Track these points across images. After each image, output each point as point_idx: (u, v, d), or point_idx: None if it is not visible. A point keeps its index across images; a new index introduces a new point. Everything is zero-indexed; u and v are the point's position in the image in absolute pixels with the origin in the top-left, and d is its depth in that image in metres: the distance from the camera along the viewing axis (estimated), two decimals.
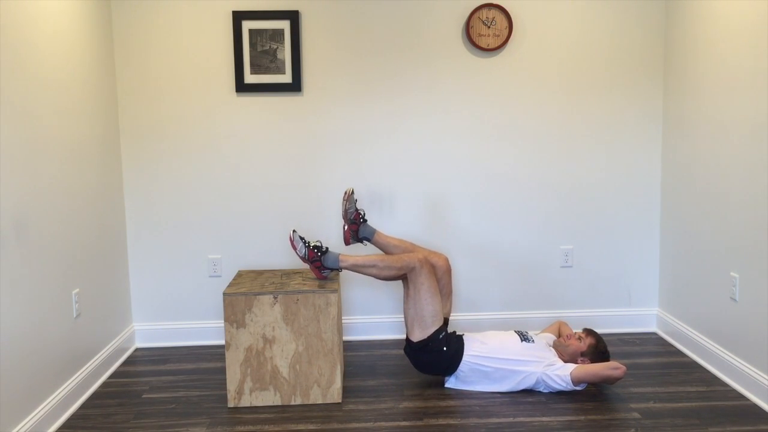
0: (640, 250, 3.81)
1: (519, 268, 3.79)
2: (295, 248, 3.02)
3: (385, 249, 3.22)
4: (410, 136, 3.67)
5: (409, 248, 3.19)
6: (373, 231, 3.23)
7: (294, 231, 3.05)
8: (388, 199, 3.66)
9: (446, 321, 3.09)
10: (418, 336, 3.01)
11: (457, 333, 3.16)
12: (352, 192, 3.21)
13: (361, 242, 3.25)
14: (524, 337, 3.08)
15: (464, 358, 3.00)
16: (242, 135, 3.63)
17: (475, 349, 3.01)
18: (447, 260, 3.18)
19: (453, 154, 3.69)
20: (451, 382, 3.09)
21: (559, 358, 3.07)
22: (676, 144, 3.56)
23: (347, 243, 3.22)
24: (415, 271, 2.97)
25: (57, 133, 2.86)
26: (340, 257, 3.01)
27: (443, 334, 3.01)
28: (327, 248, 3.04)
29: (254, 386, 2.92)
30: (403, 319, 3.64)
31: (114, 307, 3.46)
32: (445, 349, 3.00)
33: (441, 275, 3.13)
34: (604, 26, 3.64)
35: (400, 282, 3.70)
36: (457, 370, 3.02)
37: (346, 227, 3.20)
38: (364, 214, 3.25)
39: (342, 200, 3.20)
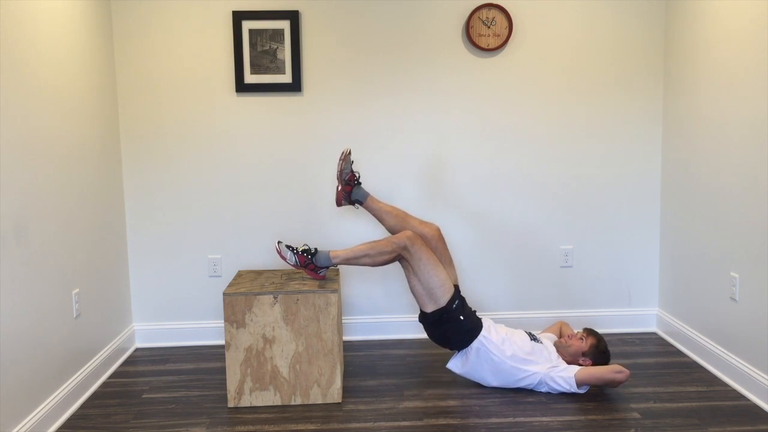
0: (640, 250, 3.81)
1: (519, 267, 3.79)
2: (284, 259, 3.01)
3: (377, 214, 3.16)
4: (410, 136, 3.67)
5: (401, 216, 3.13)
6: (366, 194, 3.16)
7: (279, 242, 3.03)
8: (388, 198, 3.66)
9: (457, 288, 3.05)
10: (431, 308, 2.98)
11: (477, 314, 3.12)
12: (350, 152, 3.14)
13: (353, 205, 3.18)
14: (533, 338, 3.08)
15: (479, 336, 2.98)
16: (242, 135, 3.63)
17: (490, 334, 2.99)
18: (438, 229, 3.13)
19: (453, 154, 3.69)
20: (455, 363, 3.07)
21: (560, 358, 3.07)
22: (676, 144, 3.56)
23: (339, 204, 3.16)
24: (408, 249, 2.93)
25: (57, 134, 2.86)
26: (331, 254, 3.00)
27: (456, 302, 2.98)
28: (316, 249, 3.02)
29: (254, 386, 2.92)
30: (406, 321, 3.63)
31: (114, 307, 3.46)
32: (461, 318, 2.97)
33: (435, 244, 3.09)
34: (604, 26, 3.64)
35: (399, 281, 3.71)
36: (469, 347, 3.00)
37: (339, 187, 3.13)
38: (359, 176, 3.18)
39: (338, 160, 3.14)
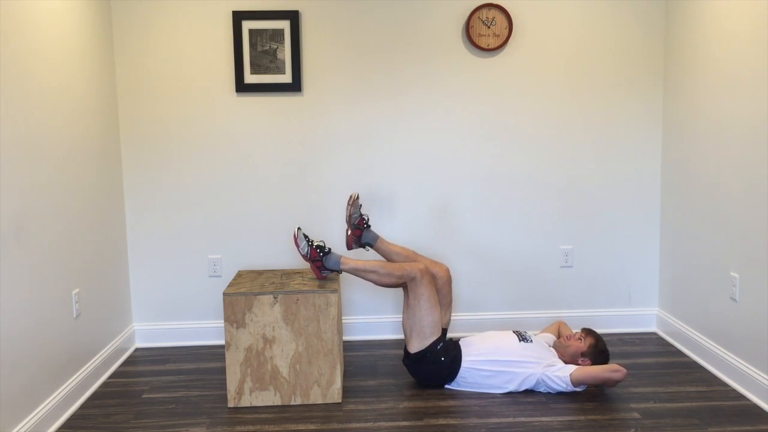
0: (640, 250, 3.81)
1: (519, 268, 3.79)
2: (297, 246, 3.01)
3: (387, 256, 3.21)
4: (410, 136, 3.67)
5: (411, 257, 3.18)
6: (376, 237, 3.22)
7: (299, 228, 3.04)
8: (388, 199, 3.66)
9: (444, 332, 3.10)
10: (416, 347, 3.02)
11: (454, 339, 3.15)
12: (357, 197, 3.20)
13: (363, 248, 3.24)
14: (522, 337, 3.08)
15: (463, 364, 3.00)
16: (242, 135, 3.63)
17: (473, 354, 3.01)
18: (448, 271, 3.18)
19: (453, 154, 3.69)
20: (451, 385, 3.09)
21: (560, 358, 3.07)
22: (676, 144, 3.56)
23: (349, 248, 3.21)
24: (415, 281, 2.97)
25: (57, 134, 2.86)
26: (342, 259, 3.01)
27: (441, 344, 3.02)
28: (330, 249, 3.04)
29: (254, 386, 2.92)
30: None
31: (114, 307, 3.46)
32: (443, 359, 3.00)
33: (441, 285, 3.14)
34: (604, 26, 3.64)
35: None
36: (457, 377, 3.03)
37: (349, 232, 3.19)
38: (368, 219, 3.24)
39: (347, 204, 3.20)
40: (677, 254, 3.59)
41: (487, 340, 3.09)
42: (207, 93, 3.59)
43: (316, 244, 3.02)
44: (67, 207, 2.94)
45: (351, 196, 3.18)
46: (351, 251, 3.12)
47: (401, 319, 3.10)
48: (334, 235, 3.68)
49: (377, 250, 3.23)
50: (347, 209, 3.16)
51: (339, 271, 3.03)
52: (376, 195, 3.66)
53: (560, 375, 2.94)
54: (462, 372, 3.01)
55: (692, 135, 3.39)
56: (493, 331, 3.25)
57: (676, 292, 3.61)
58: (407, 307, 3.04)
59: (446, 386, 3.08)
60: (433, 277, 3.10)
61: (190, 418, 2.83)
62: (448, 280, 3.16)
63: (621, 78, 3.68)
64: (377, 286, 3.73)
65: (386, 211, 3.67)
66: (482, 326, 3.70)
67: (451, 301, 3.19)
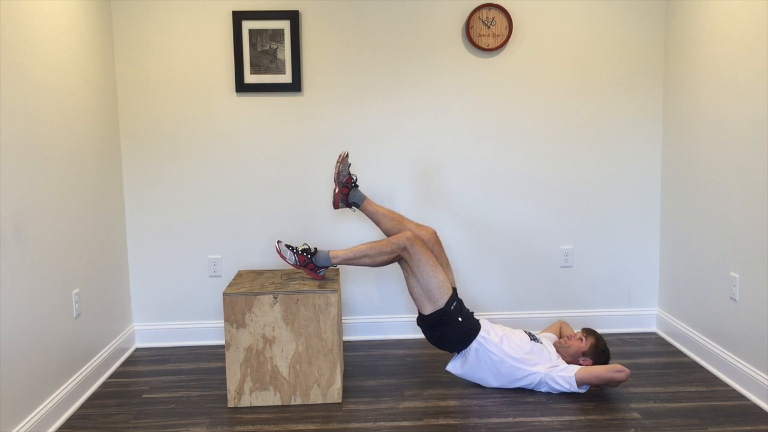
0: (640, 250, 3.81)
1: (519, 267, 3.79)
2: (284, 258, 3.01)
3: (374, 217, 3.17)
4: (410, 136, 3.67)
5: (398, 219, 3.15)
6: (363, 197, 3.16)
7: (279, 242, 3.03)
8: (388, 199, 3.66)
9: (455, 290, 3.05)
10: (429, 309, 2.97)
11: (475, 316, 3.13)
12: (347, 155, 3.15)
13: (350, 207, 3.18)
14: (533, 338, 3.08)
15: (477, 337, 2.97)
16: (242, 135, 3.63)
17: (489, 334, 2.99)
18: (434, 232, 3.15)
19: (453, 154, 3.69)
20: (455, 365, 3.07)
21: (561, 358, 3.07)
22: (676, 144, 3.56)
23: (336, 207, 3.15)
24: (407, 250, 2.94)
25: (57, 133, 2.86)
26: (331, 254, 3.00)
27: (455, 303, 2.99)
28: (315, 249, 3.03)
29: (254, 386, 2.92)
30: (406, 325, 3.65)
31: (114, 307, 3.47)
32: (459, 319, 2.97)
33: (432, 247, 3.11)
34: (604, 26, 3.64)
35: (399, 281, 3.71)
36: (468, 348, 3.00)
37: (336, 190, 3.13)
38: (356, 179, 3.19)
39: (336, 162, 3.15)
40: (677, 254, 3.59)
41: (501, 331, 3.07)
42: (207, 93, 3.59)
43: (300, 248, 3.01)
44: (67, 207, 2.94)
45: (340, 155, 3.13)
46: (340, 251, 3.05)
47: (408, 290, 3.04)
48: (334, 233, 3.69)
49: (364, 211, 3.17)
50: (336, 167, 3.11)
51: (333, 265, 3.03)
52: (376, 194, 3.66)
53: (564, 375, 2.94)
54: (474, 343, 2.97)
55: (692, 135, 3.39)
56: (505, 326, 3.22)
57: (676, 292, 3.61)
58: (409, 276, 2.99)
59: (448, 366, 3.07)
60: (423, 240, 3.07)
61: (190, 418, 2.83)
62: (437, 241, 3.14)
63: (621, 78, 3.68)
64: (378, 284, 3.74)
65: None
66: None
67: (447, 260, 3.17)
